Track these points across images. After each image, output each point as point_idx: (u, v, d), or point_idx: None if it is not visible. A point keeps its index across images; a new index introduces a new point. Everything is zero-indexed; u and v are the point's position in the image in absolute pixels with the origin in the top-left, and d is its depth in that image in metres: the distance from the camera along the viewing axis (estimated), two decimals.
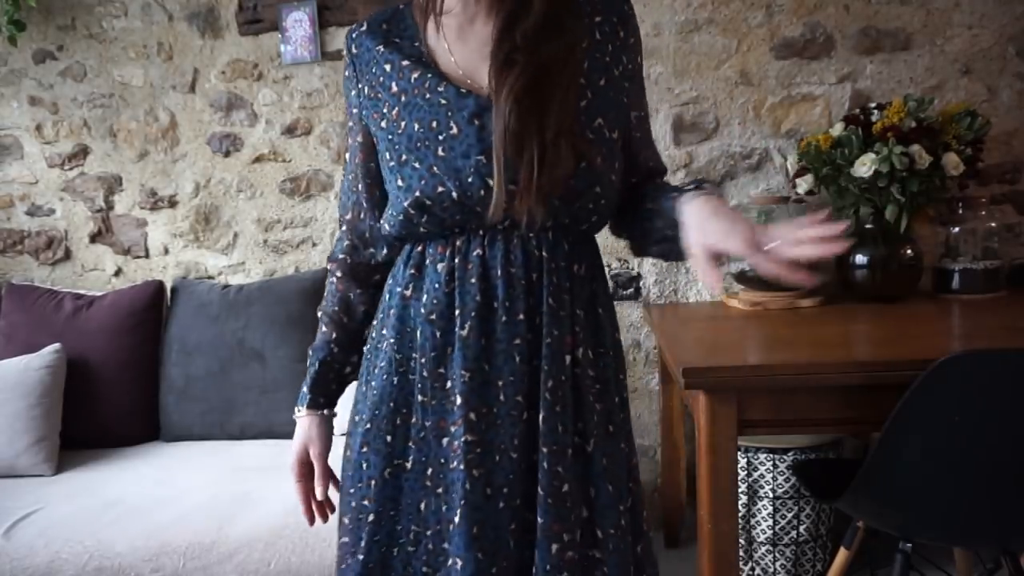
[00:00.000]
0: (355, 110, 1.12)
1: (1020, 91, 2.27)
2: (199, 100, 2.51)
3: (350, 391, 1.20)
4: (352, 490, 1.11)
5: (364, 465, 1.09)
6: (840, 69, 2.30)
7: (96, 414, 2.25)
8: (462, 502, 0.99)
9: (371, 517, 1.08)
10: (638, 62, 1.14)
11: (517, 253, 1.02)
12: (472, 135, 1.00)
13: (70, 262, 2.63)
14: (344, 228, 1.19)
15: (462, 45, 1.06)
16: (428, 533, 1.04)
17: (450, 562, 1.01)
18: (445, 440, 1.03)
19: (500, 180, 0.98)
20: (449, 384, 1.03)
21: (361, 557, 1.08)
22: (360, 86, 1.11)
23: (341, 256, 1.19)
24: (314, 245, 2.53)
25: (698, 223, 0.96)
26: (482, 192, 0.99)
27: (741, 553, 2.18)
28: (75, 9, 2.51)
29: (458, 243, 1.04)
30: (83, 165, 2.58)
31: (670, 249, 1.06)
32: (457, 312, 1.02)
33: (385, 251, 1.16)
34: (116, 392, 2.27)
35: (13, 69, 2.55)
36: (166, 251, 2.59)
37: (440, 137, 1.01)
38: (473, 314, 1.01)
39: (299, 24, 2.41)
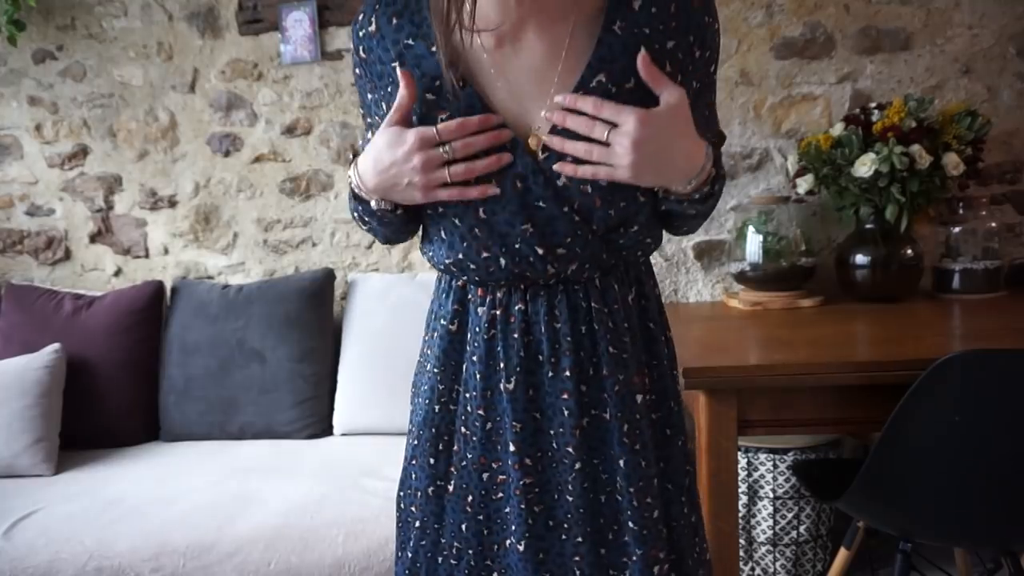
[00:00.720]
0: (376, 118, 0.98)
1: (1020, 91, 2.27)
2: (199, 100, 2.51)
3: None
4: (402, 493, 1.13)
5: (413, 476, 1.10)
6: (840, 69, 2.30)
7: (96, 414, 2.25)
8: (526, 535, 1.00)
9: (417, 524, 1.09)
10: (712, 73, 0.99)
11: (562, 308, 0.97)
12: (515, 200, 0.90)
13: (70, 262, 2.63)
14: None
15: (507, 69, 0.89)
16: (470, 551, 1.05)
17: None
18: (486, 475, 1.03)
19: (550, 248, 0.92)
20: (491, 425, 1.01)
21: (410, 555, 1.10)
22: (376, 97, 0.97)
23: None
24: (314, 245, 2.53)
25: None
26: (531, 259, 0.93)
27: (741, 553, 2.18)
28: (75, 9, 2.50)
29: (499, 295, 0.98)
30: (83, 165, 2.58)
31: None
32: (502, 365, 0.99)
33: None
34: (116, 392, 2.27)
35: (13, 69, 2.55)
36: (166, 251, 2.59)
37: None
38: (518, 369, 0.98)
39: (299, 24, 2.41)
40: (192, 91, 2.51)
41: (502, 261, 0.93)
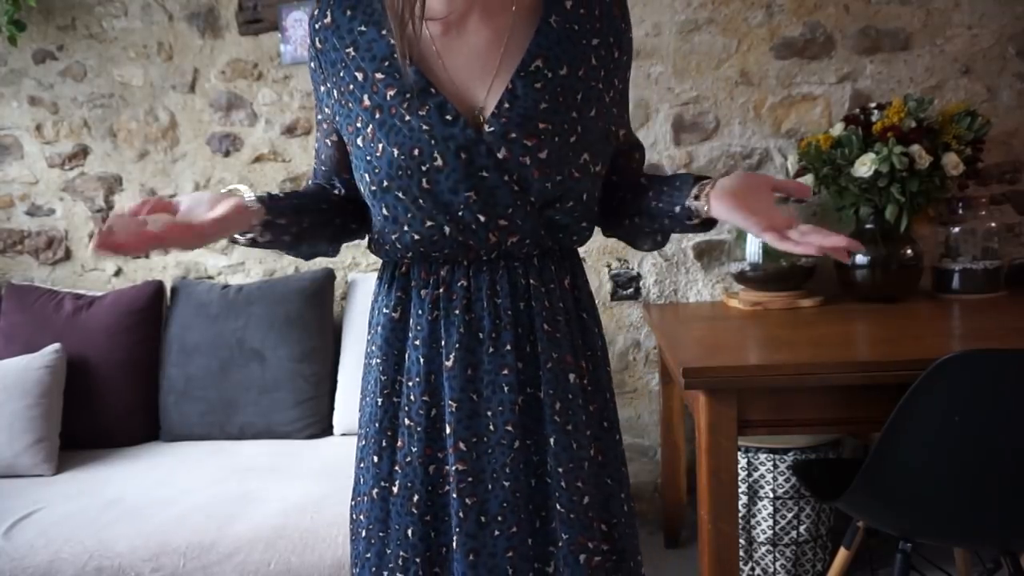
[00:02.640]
0: (327, 109, 1.04)
1: (1020, 91, 2.27)
2: (199, 100, 2.51)
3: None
4: (353, 502, 1.12)
5: (361, 479, 1.09)
6: (840, 69, 2.30)
7: (96, 414, 2.25)
8: (457, 530, 0.99)
9: (363, 533, 1.08)
10: (627, 77, 1.09)
11: (503, 283, 1.01)
12: (459, 170, 0.94)
13: (70, 262, 2.63)
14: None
15: (451, 52, 0.97)
16: (417, 560, 1.02)
17: None
18: (432, 467, 1.02)
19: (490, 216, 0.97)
20: (435, 412, 1.01)
21: (356, 571, 1.09)
22: (328, 87, 1.02)
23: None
24: None
25: (732, 206, 0.96)
26: (473, 227, 0.97)
27: (741, 553, 2.18)
28: (75, 9, 2.51)
29: (442, 273, 1.01)
30: (83, 165, 2.58)
31: (668, 233, 1.11)
32: (443, 343, 1.00)
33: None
34: (116, 392, 2.27)
35: (13, 69, 2.55)
36: (166, 251, 2.58)
37: (423, 168, 0.94)
38: (457, 345, 0.99)
39: (299, 24, 2.41)
40: (192, 91, 2.51)
41: (446, 229, 0.97)
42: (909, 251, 2.09)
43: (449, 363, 1.00)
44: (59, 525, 1.75)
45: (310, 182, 1.15)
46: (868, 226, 2.11)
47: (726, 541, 1.49)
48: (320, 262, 2.51)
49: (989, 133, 2.08)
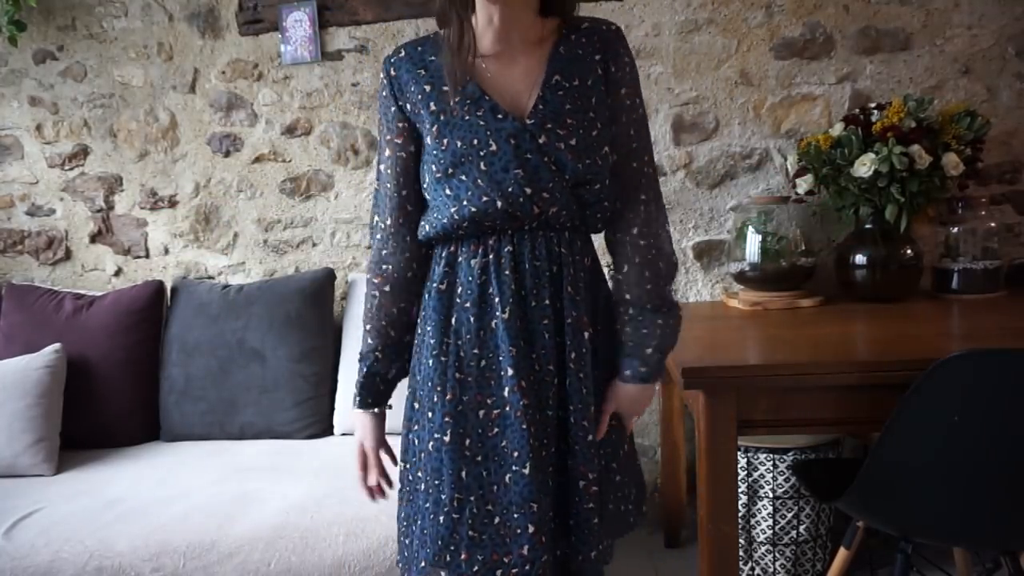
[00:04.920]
0: (400, 124, 1.26)
1: (1020, 91, 2.27)
2: (199, 100, 2.51)
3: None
4: (408, 465, 1.29)
5: (416, 441, 1.27)
6: (840, 69, 2.30)
7: (96, 414, 2.25)
8: (530, 456, 1.16)
9: (421, 487, 1.24)
10: (634, 91, 1.28)
11: (541, 249, 1.22)
12: (509, 152, 1.18)
13: (70, 262, 2.63)
14: (383, 234, 1.31)
15: (499, 76, 1.22)
16: (471, 499, 1.18)
17: (496, 520, 1.18)
18: (482, 412, 1.20)
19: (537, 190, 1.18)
20: (484, 362, 1.20)
21: (416, 524, 1.25)
22: (401, 103, 1.26)
23: (386, 268, 1.31)
24: (314, 245, 2.53)
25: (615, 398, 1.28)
26: (521, 199, 1.18)
27: (741, 553, 2.18)
28: (75, 9, 2.51)
29: (490, 242, 1.22)
30: (83, 165, 2.58)
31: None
32: (496, 299, 1.20)
33: (409, 255, 1.31)
34: (116, 392, 2.27)
35: (13, 69, 2.55)
36: (166, 251, 2.59)
37: (481, 153, 1.18)
38: (511, 300, 1.20)
39: (299, 24, 2.42)
40: (192, 91, 2.51)
41: (498, 203, 1.18)
42: (909, 251, 2.09)
43: (505, 315, 1.19)
44: (59, 525, 1.75)
45: (377, 224, 1.32)
46: (868, 226, 2.11)
47: (726, 541, 1.49)
48: (320, 262, 2.51)
49: (989, 133, 2.08)
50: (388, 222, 1.29)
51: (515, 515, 1.17)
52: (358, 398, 1.35)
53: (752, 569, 2.20)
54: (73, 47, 2.53)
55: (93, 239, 2.61)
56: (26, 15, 2.42)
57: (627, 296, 1.26)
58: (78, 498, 1.88)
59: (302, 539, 1.68)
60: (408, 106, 1.25)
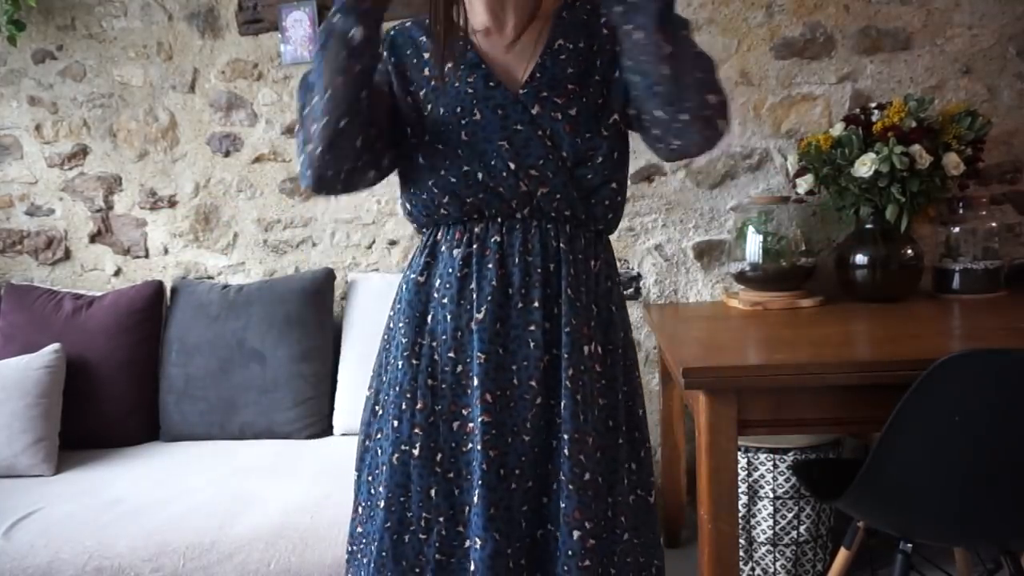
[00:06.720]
0: (387, 70, 1.14)
1: (1020, 91, 2.27)
2: (199, 100, 2.51)
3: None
4: (370, 478, 1.14)
5: (378, 451, 1.12)
6: (840, 69, 2.30)
7: (96, 414, 2.24)
8: (479, 483, 1.01)
9: (381, 503, 1.08)
10: None
11: (535, 242, 1.06)
12: (495, 122, 1.06)
13: (70, 262, 2.63)
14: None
15: (494, 46, 1.12)
16: (440, 519, 1.05)
17: (467, 543, 1.02)
18: (456, 424, 1.05)
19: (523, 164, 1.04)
20: (461, 368, 1.05)
21: (375, 546, 1.09)
22: (395, 61, 1.14)
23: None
24: (314, 245, 2.53)
25: None
26: (504, 173, 1.05)
27: (741, 553, 2.18)
28: (75, 9, 2.51)
29: (476, 230, 1.07)
30: (83, 165, 2.58)
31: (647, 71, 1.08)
32: (474, 296, 1.05)
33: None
34: (116, 392, 2.27)
35: (13, 69, 2.55)
36: (166, 251, 2.59)
37: (463, 122, 1.06)
38: (489, 299, 1.04)
39: (299, 24, 2.41)
40: (192, 91, 2.51)
41: (479, 175, 1.05)
42: (909, 251, 2.09)
43: (480, 315, 1.04)
44: (59, 525, 1.75)
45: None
46: (868, 226, 2.11)
47: (726, 541, 1.48)
48: (320, 262, 2.51)
49: (989, 133, 2.08)
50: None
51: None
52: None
53: (752, 569, 2.20)
54: (72, 47, 2.53)
55: (92, 239, 2.61)
56: (25, 15, 2.42)
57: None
58: (77, 498, 1.88)
59: (302, 539, 1.67)
60: (398, 63, 1.14)
